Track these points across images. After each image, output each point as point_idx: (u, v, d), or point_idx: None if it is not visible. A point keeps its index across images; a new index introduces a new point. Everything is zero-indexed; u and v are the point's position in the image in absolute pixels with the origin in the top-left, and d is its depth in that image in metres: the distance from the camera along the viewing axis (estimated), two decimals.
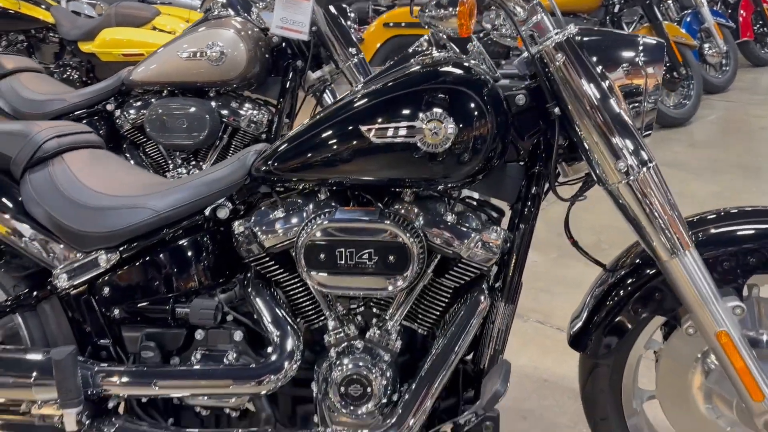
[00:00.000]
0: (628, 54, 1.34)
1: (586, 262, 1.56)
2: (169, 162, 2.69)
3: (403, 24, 5.12)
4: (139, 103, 2.66)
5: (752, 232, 1.40)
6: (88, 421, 1.42)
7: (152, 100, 2.63)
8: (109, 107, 2.70)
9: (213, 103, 2.61)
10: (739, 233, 1.41)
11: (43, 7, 5.36)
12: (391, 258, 1.36)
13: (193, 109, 2.57)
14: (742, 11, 6.40)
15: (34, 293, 1.54)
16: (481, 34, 4.44)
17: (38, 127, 1.58)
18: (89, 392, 1.42)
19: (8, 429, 1.48)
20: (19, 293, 1.54)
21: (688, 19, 5.45)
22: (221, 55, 2.50)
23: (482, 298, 1.42)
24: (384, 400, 1.42)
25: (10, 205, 1.51)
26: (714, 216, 1.46)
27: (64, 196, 1.49)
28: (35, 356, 1.44)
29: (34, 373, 1.42)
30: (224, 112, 2.63)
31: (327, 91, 2.78)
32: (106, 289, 1.50)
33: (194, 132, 2.57)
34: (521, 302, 2.68)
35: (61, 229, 1.48)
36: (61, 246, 1.49)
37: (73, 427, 1.38)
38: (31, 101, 2.70)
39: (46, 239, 1.49)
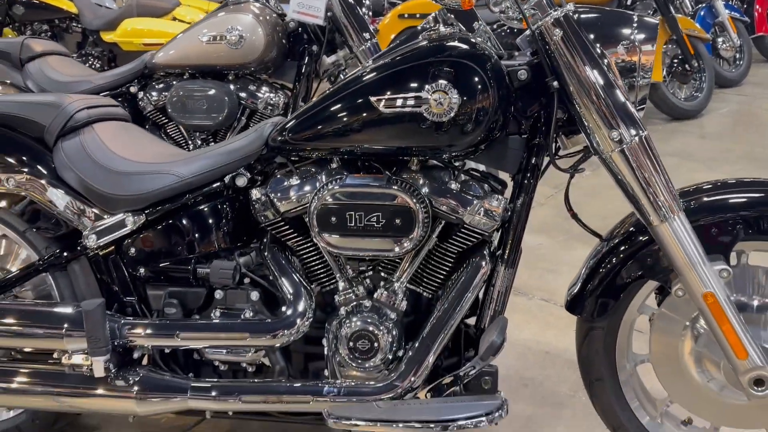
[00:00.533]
0: (623, 31, 1.42)
1: (591, 244, 1.63)
2: (190, 142, 2.81)
3: (417, 15, 5.19)
4: (161, 86, 2.77)
5: (742, 200, 1.47)
6: (114, 369, 1.53)
7: (174, 82, 2.75)
8: (133, 89, 2.82)
9: (232, 86, 2.72)
10: (729, 201, 1.48)
11: None
12: (397, 221, 1.45)
13: (212, 92, 2.68)
14: (758, 6, 6.39)
15: (65, 254, 1.65)
16: (495, 25, 4.52)
17: (70, 99, 1.69)
18: (116, 343, 1.53)
19: (41, 377, 1.60)
20: (50, 254, 1.66)
21: (702, 12, 5.47)
22: (240, 39, 2.61)
23: (484, 263, 1.51)
24: (389, 356, 1.52)
25: (44, 170, 1.63)
26: (710, 186, 1.53)
27: (95, 162, 1.60)
28: (66, 309, 1.55)
29: (65, 325, 1.53)
30: (242, 94, 2.73)
31: (341, 75, 2.88)
32: (132, 250, 1.61)
33: (213, 113, 2.68)
34: (527, 281, 2.78)
35: (92, 192, 1.59)
36: (91, 208, 1.60)
37: (101, 373, 1.49)
38: (58, 82, 2.83)
39: (78, 202, 1.60)
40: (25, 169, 1.62)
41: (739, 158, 4.18)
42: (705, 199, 1.50)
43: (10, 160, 1.63)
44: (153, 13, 5.11)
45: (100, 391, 1.54)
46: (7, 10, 5.49)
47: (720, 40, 5.59)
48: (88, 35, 5.34)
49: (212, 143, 2.81)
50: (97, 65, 5.36)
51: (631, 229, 1.54)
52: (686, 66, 4.74)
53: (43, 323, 1.54)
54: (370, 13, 2.95)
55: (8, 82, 2.90)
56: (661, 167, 1.39)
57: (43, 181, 1.61)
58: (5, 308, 1.58)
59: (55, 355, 1.59)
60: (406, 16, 5.31)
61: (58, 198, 1.60)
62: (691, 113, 4.98)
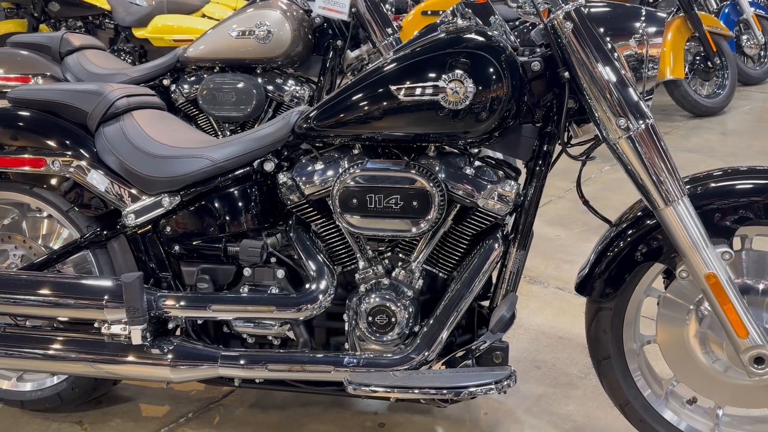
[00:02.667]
0: (632, 24, 1.49)
1: None
2: (219, 133, 2.93)
3: (440, 12, 5.27)
4: (192, 79, 2.90)
5: (748, 186, 1.53)
6: (150, 338, 1.64)
7: (204, 75, 2.87)
8: (165, 82, 2.95)
9: (259, 79, 2.84)
10: (735, 187, 1.53)
11: None
12: (414, 204, 1.54)
13: (241, 85, 2.80)
14: None
15: (105, 232, 1.77)
16: (517, 22, 4.57)
17: (111, 87, 1.81)
18: (152, 314, 1.64)
19: (82, 345, 1.72)
20: (91, 232, 1.78)
21: (726, 10, 5.46)
22: (268, 34, 2.72)
23: (497, 245, 1.60)
24: (406, 331, 1.61)
25: (86, 154, 1.75)
26: (721, 173, 1.59)
27: (134, 146, 1.71)
28: (107, 282, 1.67)
29: (106, 297, 1.64)
30: (269, 87, 2.85)
31: (364, 69, 2.97)
32: (168, 229, 1.73)
33: (242, 105, 2.80)
34: (543, 270, 2.85)
35: (131, 174, 1.70)
36: (130, 189, 1.72)
37: (139, 341, 1.61)
38: (95, 75, 2.97)
39: (118, 183, 1.72)
40: (69, 153, 1.74)
41: (760, 155, 4.19)
42: (712, 184, 1.56)
43: (55, 144, 1.75)
44: (183, 10, 5.25)
45: (137, 358, 1.66)
46: (43, 6, 5.69)
47: (744, 37, 5.57)
48: (120, 31, 5.50)
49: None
50: (129, 61, 5.53)
51: (638, 214, 1.61)
52: (708, 63, 4.75)
53: (85, 295, 1.66)
54: (393, 9, 3.04)
55: (48, 74, 3.05)
56: (667, 154, 1.46)
57: (85, 164, 1.73)
58: (50, 281, 1.70)
59: (95, 325, 1.71)
60: (429, 13, 5.39)
61: (100, 179, 1.72)
62: (713, 110, 4.98)
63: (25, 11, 6.02)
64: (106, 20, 5.67)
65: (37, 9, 5.83)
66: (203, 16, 5.36)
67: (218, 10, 5.47)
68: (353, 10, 2.70)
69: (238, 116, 2.83)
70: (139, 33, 5.20)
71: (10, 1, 6.11)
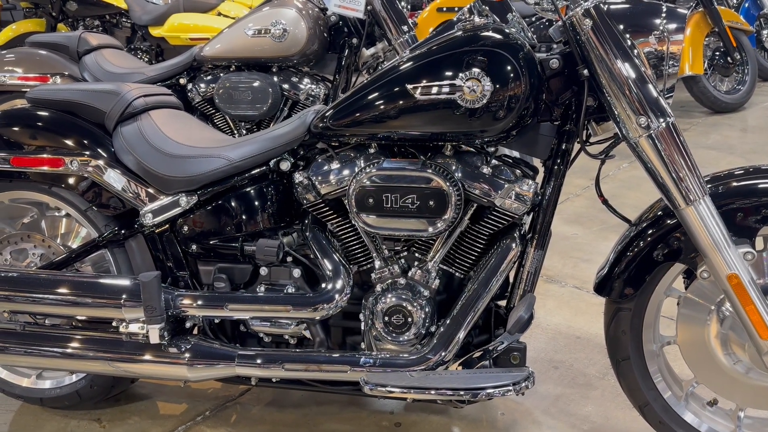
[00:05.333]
0: (653, 21, 1.47)
1: None
2: (235, 132, 2.93)
3: (456, 9, 5.24)
4: (208, 78, 2.91)
5: None
6: (168, 337, 1.65)
7: (221, 74, 2.88)
8: (182, 81, 2.96)
9: (275, 78, 2.84)
10: (757, 186, 1.51)
11: None
12: (431, 203, 1.53)
13: (257, 83, 2.80)
14: None
15: (123, 231, 1.78)
16: (533, 18, 4.53)
17: (128, 87, 1.82)
18: (169, 313, 1.65)
19: (100, 344, 1.73)
20: (109, 231, 1.79)
21: (747, 4, 5.39)
22: (284, 32, 2.72)
23: (514, 244, 1.58)
24: (422, 331, 1.61)
25: (104, 153, 1.76)
26: (742, 171, 1.56)
27: (152, 146, 1.72)
28: (125, 282, 1.68)
29: (124, 296, 1.65)
30: (285, 86, 2.85)
31: (380, 67, 2.96)
32: (185, 228, 1.73)
33: (258, 104, 2.81)
34: (561, 269, 2.82)
35: (149, 173, 1.71)
36: (148, 189, 1.72)
37: (156, 340, 1.61)
38: (113, 74, 2.99)
39: (136, 183, 1.72)
40: (87, 152, 1.75)
41: None
42: (734, 184, 1.54)
43: (73, 143, 1.76)
44: (199, 9, 5.27)
45: (154, 357, 1.67)
46: (61, 6, 5.75)
47: (765, 32, 5.49)
48: (137, 30, 5.54)
49: (256, 132, 2.94)
50: (145, 59, 5.57)
51: (658, 213, 1.59)
52: (728, 58, 4.68)
53: (103, 294, 1.67)
54: (409, 7, 3.03)
55: (66, 73, 3.08)
56: (688, 152, 1.44)
57: (103, 164, 1.74)
58: (69, 280, 1.71)
59: (113, 324, 1.72)
60: (444, 9, 5.37)
61: (118, 179, 1.73)
62: (732, 106, 4.92)
63: (43, 10, 6.08)
64: (123, 19, 5.72)
65: (55, 8, 5.89)
66: (219, 14, 5.38)
67: (234, 8, 5.49)
68: (369, 7, 2.69)
69: (254, 115, 2.83)
70: (155, 32, 5.23)
71: (29, 1, 6.18)
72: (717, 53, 4.83)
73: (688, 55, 4.54)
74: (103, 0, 5.63)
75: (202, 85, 2.92)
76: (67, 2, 5.69)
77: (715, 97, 4.86)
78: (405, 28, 2.74)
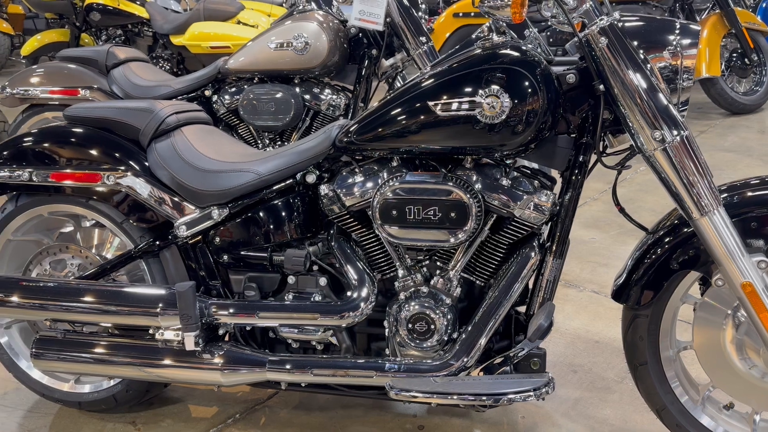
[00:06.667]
0: (665, 37, 1.52)
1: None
2: (259, 141, 3.02)
3: (472, 14, 5.29)
4: (233, 89, 3.00)
5: None
6: (202, 344, 1.73)
7: (245, 86, 2.97)
8: (207, 93, 3.05)
9: (297, 89, 2.92)
10: None
11: (138, 3, 5.81)
12: (452, 215, 1.59)
13: (280, 95, 2.88)
14: None
15: (157, 242, 1.86)
16: (548, 21, 4.57)
17: (161, 105, 1.90)
18: (203, 321, 1.73)
19: (137, 351, 1.81)
20: (144, 242, 1.87)
21: (764, 5, 5.38)
22: (306, 45, 2.80)
23: (533, 253, 1.64)
24: (445, 337, 1.67)
25: (140, 168, 1.84)
26: (758, 181, 1.60)
27: (185, 161, 1.80)
28: (161, 291, 1.76)
29: (160, 305, 1.74)
30: (307, 96, 2.93)
31: (398, 77, 3.03)
32: (217, 239, 1.81)
33: (281, 115, 2.89)
34: (579, 274, 2.87)
35: (182, 188, 1.79)
36: (182, 202, 1.80)
37: (192, 347, 1.70)
38: (141, 87, 3.09)
39: (170, 196, 1.81)
40: (123, 167, 1.83)
41: None
42: (749, 194, 1.58)
43: (110, 159, 1.85)
44: (219, 17, 5.36)
45: (189, 363, 1.75)
46: (85, 16, 5.88)
47: None
48: (158, 39, 5.65)
49: (279, 142, 3.02)
50: (167, 67, 5.68)
51: (675, 222, 1.63)
52: (745, 60, 4.69)
53: (140, 303, 1.76)
54: (426, 17, 3.09)
55: (95, 86, 3.18)
56: (703, 165, 1.48)
57: (139, 178, 1.82)
58: (108, 290, 1.80)
59: (150, 331, 1.81)
60: (460, 14, 5.42)
61: (152, 193, 1.81)
62: (750, 108, 4.91)
63: (67, 21, 6.23)
64: (145, 28, 5.83)
65: (78, 19, 6.03)
66: (238, 22, 5.47)
67: (253, 16, 5.58)
68: (388, 19, 2.76)
69: (277, 125, 2.91)
70: (176, 40, 5.32)
71: (54, 12, 6.34)
72: (734, 55, 4.83)
73: (705, 57, 4.55)
74: (125, 10, 5.75)
75: (227, 97, 3.00)
76: (91, 13, 5.81)
77: (733, 99, 4.86)
78: (423, 39, 2.80)
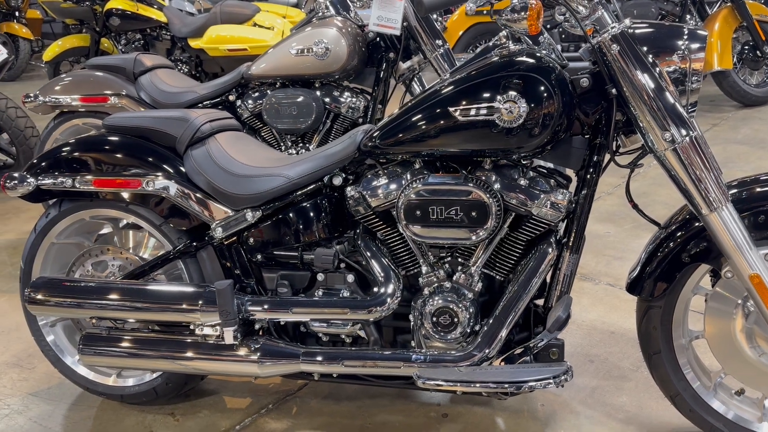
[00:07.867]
0: (674, 42, 1.60)
1: None
2: (281, 144, 3.12)
3: (484, 12, 5.36)
4: (256, 94, 3.11)
5: None
6: (240, 338, 1.84)
7: (268, 91, 3.07)
8: (231, 98, 3.16)
9: (318, 93, 3.02)
10: None
11: (155, 7, 5.92)
12: (473, 214, 1.69)
13: (301, 99, 2.99)
14: None
15: (194, 244, 1.97)
16: (563, 23, 4.63)
17: (195, 114, 2.01)
18: (240, 316, 1.84)
19: (178, 346, 1.92)
20: (182, 244, 1.98)
21: None
22: (326, 50, 2.90)
23: (550, 249, 1.73)
24: (467, 330, 1.77)
25: (177, 174, 1.95)
26: (766, 177, 1.68)
27: (219, 167, 1.91)
28: (200, 289, 1.87)
29: (200, 302, 1.85)
30: (327, 100, 3.03)
31: (415, 79, 3.13)
32: (251, 240, 1.92)
33: (302, 118, 2.99)
34: (594, 267, 2.95)
35: (218, 192, 1.90)
36: (218, 206, 1.91)
37: (231, 341, 1.81)
38: (167, 93, 3.20)
39: (206, 200, 1.92)
40: (162, 174, 1.95)
41: None
42: (758, 189, 1.66)
43: (149, 166, 1.96)
44: (235, 20, 5.46)
45: (228, 356, 1.86)
46: (104, 21, 6.01)
47: None
48: (176, 42, 5.75)
49: (300, 144, 3.13)
50: (185, 70, 5.80)
51: (686, 217, 1.72)
52: (757, 52, 4.72)
53: (182, 301, 1.87)
54: (441, 19, 3.17)
55: (123, 93, 3.30)
56: (712, 164, 1.57)
57: (176, 184, 1.93)
58: (150, 289, 1.92)
59: (190, 327, 1.92)
60: (473, 13, 5.49)
61: (190, 197, 1.92)
62: (762, 100, 4.95)
63: (87, 26, 6.38)
64: (163, 32, 5.94)
65: (98, 24, 6.17)
66: (255, 25, 5.56)
67: (269, 19, 5.66)
68: (405, 24, 2.85)
69: (299, 128, 3.02)
70: (194, 43, 5.40)
71: (75, 18, 6.48)
72: (746, 47, 4.87)
73: (717, 50, 4.59)
74: (144, 15, 5.87)
75: (251, 102, 3.11)
76: (110, 18, 5.94)
77: (745, 91, 4.90)
78: (439, 42, 2.89)
